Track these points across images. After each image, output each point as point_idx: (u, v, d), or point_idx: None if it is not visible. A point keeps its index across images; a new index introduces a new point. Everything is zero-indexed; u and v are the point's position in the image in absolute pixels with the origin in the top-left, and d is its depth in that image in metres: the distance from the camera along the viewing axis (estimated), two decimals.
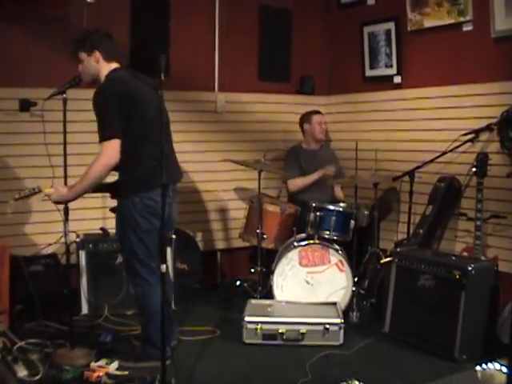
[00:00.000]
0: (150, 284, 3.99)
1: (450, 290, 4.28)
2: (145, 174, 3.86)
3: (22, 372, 3.81)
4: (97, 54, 3.95)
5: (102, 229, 5.24)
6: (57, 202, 3.97)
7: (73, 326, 4.17)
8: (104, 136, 3.78)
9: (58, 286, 5.00)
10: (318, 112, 6.12)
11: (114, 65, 4.04)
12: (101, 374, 3.80)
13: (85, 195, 3.98)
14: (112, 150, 3.76)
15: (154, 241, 3.79)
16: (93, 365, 3.91)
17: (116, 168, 3.86)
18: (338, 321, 4.54)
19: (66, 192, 3.91)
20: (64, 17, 5.24)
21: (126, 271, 4.29)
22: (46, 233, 5.24)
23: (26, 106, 5.10)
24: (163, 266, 3.27)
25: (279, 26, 6.45)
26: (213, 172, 6.02)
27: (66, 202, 3.96)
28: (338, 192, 6.07)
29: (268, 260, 5.45)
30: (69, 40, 4.87)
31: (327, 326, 4.50)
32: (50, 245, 5.18)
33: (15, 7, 5.00)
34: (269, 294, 5.14)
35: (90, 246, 5.15)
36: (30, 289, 4.83)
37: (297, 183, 5.89)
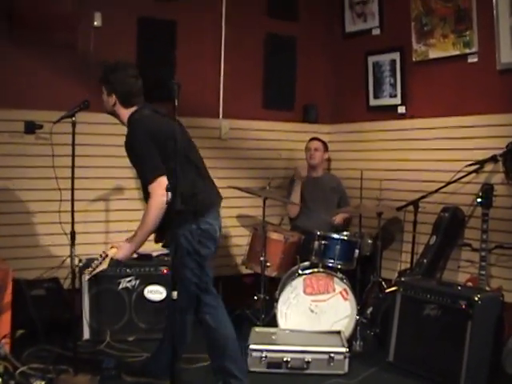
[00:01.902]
0: (216, 308, 3.96)
1: (456, 320, 4.26)
2: (196, 200, 3.79)
3: None
4: (113, 97, 3.89)
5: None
6: (125, 259, 3.83)
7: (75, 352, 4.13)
8: (151, 177, 3.68)
9: (60, 310, 4.98)
10: (312, 139, 6.16)
11: (133, 108, 3.92)
12: None
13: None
14: (162, 189, 3.64)
15: (211, 266, 3.81)
16: None
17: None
18: (343, 350, 4.51)
19: (128, 246, 3.77)
20: (71, 41, 5.28)
21: (184, 304, 3.85)
22: (48, 256, 5.25)
23: (31, 128, 5.12)
24: (174, 293, 3.25)
25: (284, 54, 6.50)
26: None
27: (130, 256, 3.85)
28: (340, 219, 6.04)
29: (270, 288, 5.42)
30: (76, 63, 4.93)
31: (332, 355, 4.47)
32: (52, 268, 5.16)
33: (23, 31, 5.04)
34: (272, 322, 5.11)
35: None
36: (32, 313, 4.80)
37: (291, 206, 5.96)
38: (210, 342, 3.98)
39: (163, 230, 3.78)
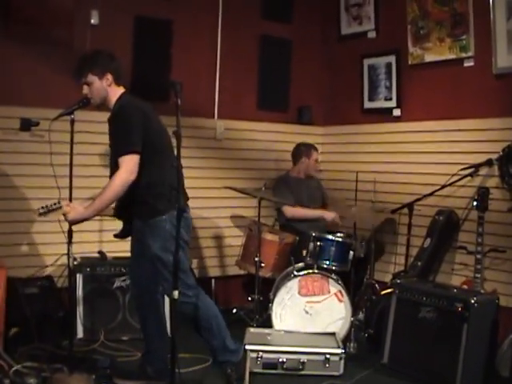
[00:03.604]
0: (198, 289, 4.02)
1: (452, 323, 4.28)
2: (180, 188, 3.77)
3: None
4: (109, 76, 3.94)
5: (99, 252, 5.21)
6: (72, 222, 3.86)
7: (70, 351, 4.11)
8: (126, 150, 3.74)
9: (54, 309, 4.95)
10: (316, 148, 6.15)
11: (122, 89, 4.03)
12: None
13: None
14: (132, 164, 3.72)
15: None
16: None
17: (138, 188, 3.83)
18: (339, 351, 4.52)
19: (82, 211, 3.81)
20: (68, 38, 5.24)
21: (169, 290, 3.76)
22: (41, 255, 5.21)
23: (26, 125, 5.06)
24: (175, 292, 3.24)
25: (279, 55, 6.52)
26: (210, 198, 6.00)
27: (82, 221, 3.86)
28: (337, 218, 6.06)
29: (264, 288, 5.42)
30: (72, 61, 4.88)
31: (328, 356, 4.48)
32: (45, 267, 5.15)
33: (19, 28, 5.00)
34: (266, 323, 5.11)
35: (87, 269, 5.08)
36: (25, 311, 4.76)
37: (298, 212, 5.86)
38: (201, 325, 4.02)
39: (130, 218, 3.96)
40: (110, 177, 3.87)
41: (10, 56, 5.01)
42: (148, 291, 4.12)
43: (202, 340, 4.11)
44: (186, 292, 3.92)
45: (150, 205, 3.87)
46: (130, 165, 3.72)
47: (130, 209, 3.97)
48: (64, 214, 3.82)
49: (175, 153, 3.40)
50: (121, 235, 4.11)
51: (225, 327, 4.10)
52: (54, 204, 3.85)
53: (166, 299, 4.36)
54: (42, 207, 3.87)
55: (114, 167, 3.82)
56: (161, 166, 3.89)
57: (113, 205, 3.93)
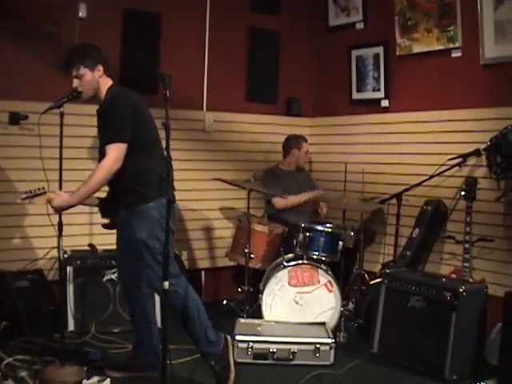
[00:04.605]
0: (180, 277, 4.00)
1: (441, 312, 4.32)
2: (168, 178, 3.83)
3: None
4: (100, 67, 3.94)
5: (90, 245, 5.22)
6: (58, 209, 3.83)
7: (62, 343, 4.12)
8: (114, 139, 3.75)
9: (44, 302, 4.95)
10: (306, 139, 6.16)
11: (111, 81, 4.04)
12: None
13: (72, 210, 3.89)
14: (119, 153, 3.73)
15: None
16: (85, 382, 3.85)
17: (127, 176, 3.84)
18: (329, 341, 4.55)
19: (67, 198, 3.79)
20: (56, 31, 5.22)
21: (153, 275, 3.90)
22: (31, 248, 5.21)
23: (15, 119, 5.06)
24: (166, 283, 3.25)
25: (268, 47, 6.52)
26: (199, 191, 6.02)
27: (67, 208, 3.83)
28: (324, 208, 6.11)
29: (253, 279, 5.44)
30: (60, 54, 4.87)
31: (318, 346, 4.51)
32: (35, 260, 5.15)
33: (7, 21, 4.98)
34: (256, 314, 5.14)
35: (78, 262, 5.08)
36: (16, 305, 4.76)
37: (287, 201, 5.87)
38: (184, 314, 3.98)
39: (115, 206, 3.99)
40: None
41: None
42: (135, 284, 4.12)
43: (186, 333, 4.09)
44: (170, 280, 3.93)
45: (138, 192, 3.86)
46: (115, 153, 3.73)
47: (117, 199, 3.99)
48: (49, 201, 3.79)
49: (163, 145, 3.41)
50: (110, 225, 4.12)
51: (206, 317, 4.06)
52: (38, 189, 3.86)
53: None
54: (25, 192, 3.89)
55: (101, 156, 3.84)
56: (149, 156, 3.90)
57: (97, 194, 3.94)
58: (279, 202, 5.86)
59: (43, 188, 3.89)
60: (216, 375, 3.99)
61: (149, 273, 3.92)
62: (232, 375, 3.96)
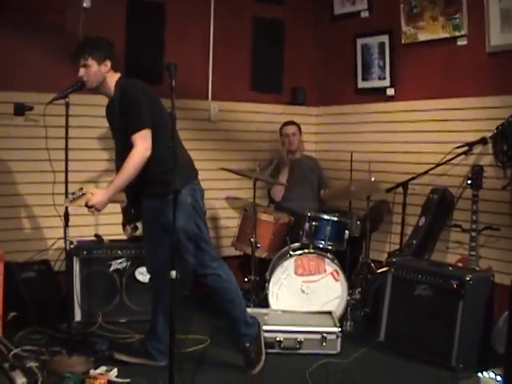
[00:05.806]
0: (220, 260, 4.12)
1: (447, 300, 4.32)
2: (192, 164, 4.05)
3: (21, 379, 3.73)
4: (108, 63, 3.95)
5: (96, 235, 5.22)
6: (99, 206, 3.81)
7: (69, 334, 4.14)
8: (138, 127, 3.77)
9: (51, 292, 4.98)
10: (287, 123, 6.18)
11: (119, 74, 4.04)
12: (102, 381, 3.75)
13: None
14: (147, 140, 3.77)
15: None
16: (93, 372, 3.86)
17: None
18: (336, 330, 4.55)
19: (104, 192, 3.80)
20: (60, 22, 5.23)
21: (195, 262, 4.01)
22: (38, 239, 5.23)
23: (20, 110, 5.06)
24: (173, 272, 3.26)
25: (272, 37, 6.50)
26: (204, 180, 5.91)
27: (107, 203, 3.83)
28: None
29: (260, 269, 5.45)
30: (65, 45, 4.88)
31: (325, 335, 4.52)
32: (42, 251, 5.16)
33: (11, 12, 4.98)
34: (262, 303, 5.15)
35: (84, 252, 5.09)
36: (23, 295, 4.78)
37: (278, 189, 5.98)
38: (224, 297, 4.09)
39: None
40: (117, 161, 3.93)
41: (2, 41, 4.99)
42: (162, 273, 4.10)
43: (221, 314, 4.18)
44: (212, 264, 4.05)
45: (167, 182, 3.79)
46: (143, 141, 3.76)
47: (146, 192, 4.02)
48: (87, 202, 3.79)
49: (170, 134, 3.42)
50: (134, 217, 4.13)
51: (243, 299, 4.19)
52: (78, 190, 3.85)
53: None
54: (68, 197, 3.87)
55: (123, 150, 3.83)
56: (166, 143, 3.89)
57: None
58: (278, 193, 5.96)
59: (82, 189, 3.87)
60: (248, 358, 4.11)
61: (190, 259, 3.99)
62: (263, 358, 4.10)
